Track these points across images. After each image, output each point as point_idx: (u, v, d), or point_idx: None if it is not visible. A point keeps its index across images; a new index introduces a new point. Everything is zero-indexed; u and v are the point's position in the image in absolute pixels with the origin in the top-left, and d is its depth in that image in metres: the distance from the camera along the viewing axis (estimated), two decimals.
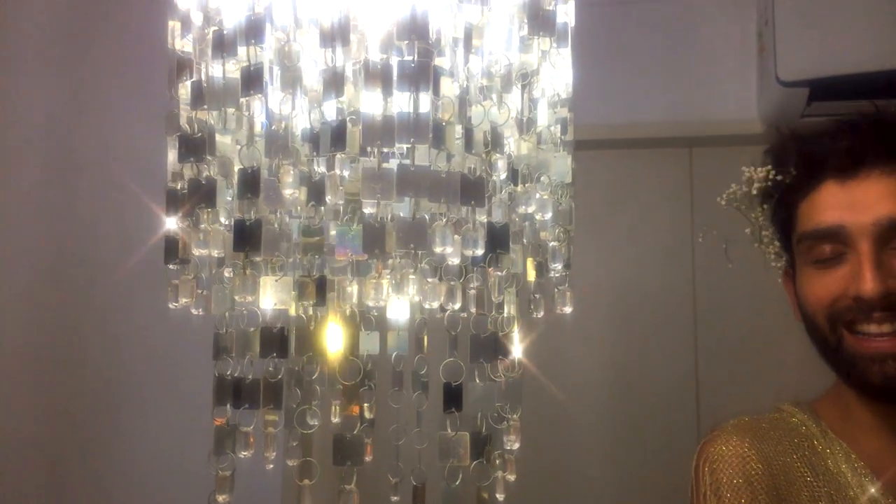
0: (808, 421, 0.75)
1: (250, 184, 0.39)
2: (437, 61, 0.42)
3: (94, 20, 1.32)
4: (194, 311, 0.48)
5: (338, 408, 0.52)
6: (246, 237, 0.39)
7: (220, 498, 0.43)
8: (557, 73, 0.47)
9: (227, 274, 0.46)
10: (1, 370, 1.27)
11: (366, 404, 0.51)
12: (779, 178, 0.74)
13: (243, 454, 0.43)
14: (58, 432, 1.28)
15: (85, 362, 1.30)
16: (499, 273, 0.43)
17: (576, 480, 1.28)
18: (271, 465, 0.53)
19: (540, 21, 0.44)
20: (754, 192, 0.77)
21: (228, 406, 0.44)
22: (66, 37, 1.32)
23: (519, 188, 0.44)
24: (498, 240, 0.42)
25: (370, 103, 0.41)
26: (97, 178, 1.32)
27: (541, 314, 0.50)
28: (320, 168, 0.44)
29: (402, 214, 0.43)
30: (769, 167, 0.78)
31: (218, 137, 0.42)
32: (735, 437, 0.71)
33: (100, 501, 1.25)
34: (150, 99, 1.21)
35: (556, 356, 1.27)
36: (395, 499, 0.54)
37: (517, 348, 0.47)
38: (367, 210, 0.46)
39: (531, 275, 0.49)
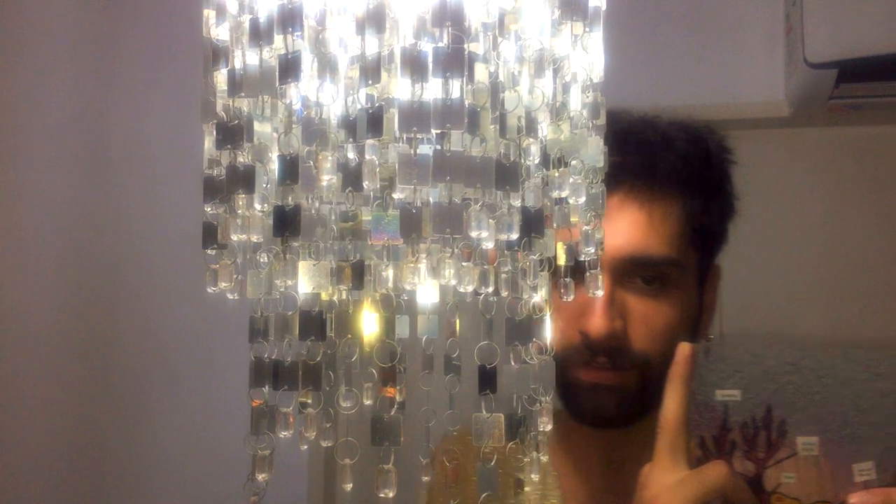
0: None
1: (290, 170, 0.40)
2: (471, 46, 0.42)
3: (121, 12, 1.33)
4: (230, 296, 0.49)
5: (369, 390, 0.53)
6: (285, 222, 0.40)
7: (260, 477, 0.44)
8: (589, 57, 0.47)
9: (262, 259, 0.47)
10: (36, 356, 1.30)
11: (399, 387, 0.52)
12: None
13: (283, 434, 0.45)
14: (93, 414, 1.31)
15: (119, 344, 1.33)
16: (533, 257, 0.44)
17: None
18: (305, 447, 0.54)
19: (573, 5, 0.44)
20: None
21: (266, 388, 0.45)
22: (93, 30, 1.34)
23: (553, 172, 0.45)
24: (533, 224, 0.43)
25: (405, 89, 0.41)
26: (129, 167, 1.34)
27: (570, 298, 0.50)
28: (352, 154, 0.44)
29: (431, 199, 0.44)
30: None
31: (255, 125, 0.43)
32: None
33: (136, 480, 1.28)
34: (179, 89, 1.23)
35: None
36: (425, 479, 0.55)
37: (550, 331, 0.47)
38: (398, 195, 0.46)
39: (561, 259, 0.50)
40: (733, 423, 0.55)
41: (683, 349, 0.58)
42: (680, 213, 0.67)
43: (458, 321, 0.52)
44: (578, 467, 0.73)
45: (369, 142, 0.43)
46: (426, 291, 0.46)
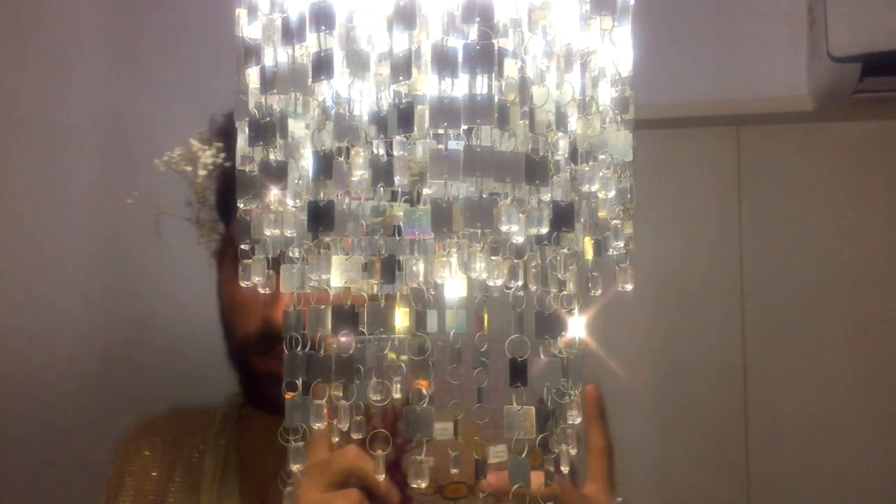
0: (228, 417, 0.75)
1: (324, 166, 0.41)
2: (501, 42, 0.43)
3: (149, 10, 1.35)
4: (261, 290, 0.50)
5: (399, 384, 0.54)
6: (319, 218, 0.41)
7: (295, 467, 0.45)
8: (618, 51, 0.47)
9: (293, 254, 0.47)
10: (63, 356, 1.32)
11: (428, 381, 0.52)
12: (227, 164, 0.69)
13: (317, 426, 0.45)
14: (121, 419, 1.33)
15: (146, 344, 1.34)
16: (564, 251, 0.44)
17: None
18: (337, 439, 0.55)
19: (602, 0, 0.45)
20: (201, 170, 0.70)
21: (299, 381, 0.46)
22: (121, 29, 1.36)
23: (581, 167, 0.45)
24: (563, 218, 0.43)
25: (434, 85, 0.42)
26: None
27: (598, 292, 0.51)
28: (380, 150, 0.45)
29: (458, 195, 0.44)
30: (219, 147, 0.72)
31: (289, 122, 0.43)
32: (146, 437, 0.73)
33: None
34: (204, 86, 1.24)
35: (600, 339, 1.27)
36: (454, 471, 0.56)
37: (579, 325, 0.48)
38: (427, 190, 0.47)
39: (589, 253, 0.50)
40: (376, 409, 0.56)
41: (592, 391, 0.65)
42: None
43: (486, 316, 0.53)
44: (261, 455, 0.73)
45: (398, 138, 0.43)
46: (454, 286, 0.47)
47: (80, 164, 1.35)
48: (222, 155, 0.71)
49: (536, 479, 0.52)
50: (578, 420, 0.47)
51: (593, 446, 0.66)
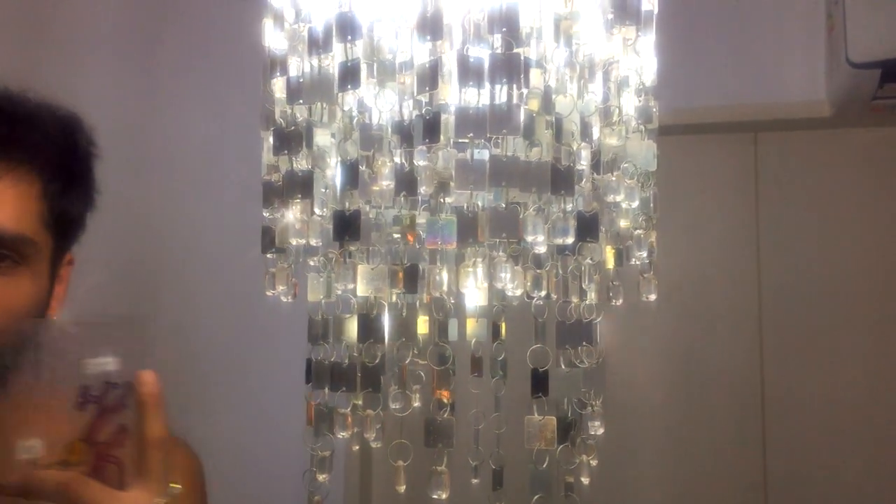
0: None
1: (352, 176, 0.41)
2: (525, 51, 0.43)
3: (166, 16, 1.36)
4: (284, 299, 0.50)
5: (418, 393, 0.54)
6: (346, 227, 0.41)
7: (321, 477, 0.45)
8: (641, 60, 0.47)
9: (313, 263, 0.48)
10: None
11: (449, 390, 0.52)
12: None
13: (341, 435, 0.45)
14: None
15: (176, 346, 1.35)
16: (589, 261, 0.44)
17: (633, 473, 1.28)
18: (357, 447, 0.55)
19: (626, 9, 0.44)
20: None
21: (325, 389, 0.46)
22: (139, 34, 1.37)
23: (606, 177, 0.45)
24: (587, 228, 0.43)
25: (460, 95, 0.42)
26: (174, 173, 1.36)
27: (620, 301, 0.50)
28: (401, 160, 0.45)
29: (479, 204, 0.44)
30: None
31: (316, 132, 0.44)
32: None
33: None
34: (222, 94, 1.25)
35: (618, 347, 1.27)
36: (475, 481, 0.56)
37: (600, 335, 0.47)
38: (450, 200, 0.47)
39: (610, 263, 0.50)
40: None
41: (148, 376, 0.53)
42: (38, 194, 0.65)
43: (503, 325, 0.53)
44: None
45: (421, 147, 0.43)
46: (473, 295, 0.47)
47: (97, 173, 1.35)
48: None
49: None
50: (601, 431, 0.47)
51: (139, 440, 0.53)
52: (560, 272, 0.47)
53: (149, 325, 0.48)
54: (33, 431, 0.46)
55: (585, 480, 0.48)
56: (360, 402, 0.49)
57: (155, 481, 0.51)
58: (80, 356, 0.47)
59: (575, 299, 0.47)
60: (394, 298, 0.47)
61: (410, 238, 0.47)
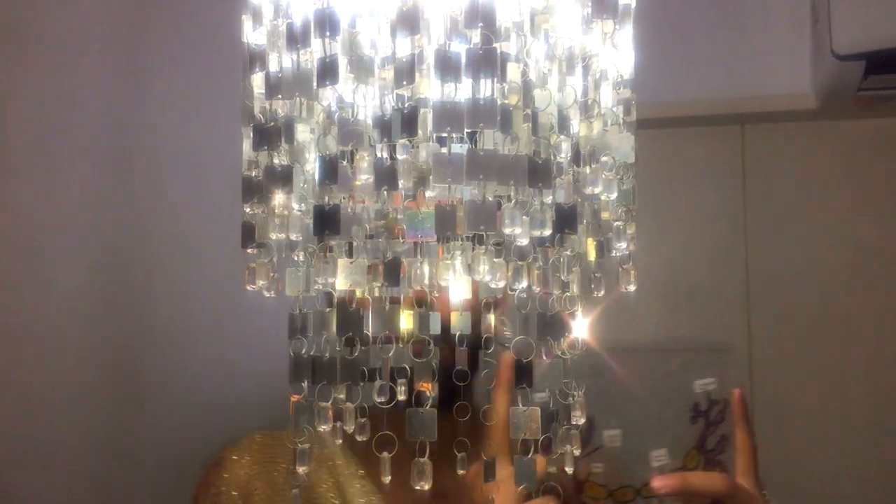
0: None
1: (330, 171, 0.41)
2: (503, 46, 0.43)
3: (153, 13, 1.35)
4: (266, 294, 0.50)
5: (403, 386, 0.54)
6: (325, 222, 0.41)
7: (301, 469, 0.45)
8: (619, 54, 0.47)
9: (297, 257, 0.48)
10: (67, 363, 1.32)
11: (431, 383, 0.52)
12: None
13: (322, 429, 0.46)
14: (125, 423, 1.33)
15: (148, 357, 1.35)
16: (568, 253, 0.44)
17: None
18: (339, 441, 0.55)
19: (603, 2, 0.45)
20: None
21: (305, 383, 0.46)
22: (121, 31, 1.36)
23: (584, 169, 0.45)
24: (566, 220, 0.43)
25: (437, 90, 0.42)
26: (159, 171, 1.36)
27: (601, 293, 0.51)
28: (384, 154, 0.45)
29: (460, 197, 0.44)
30: None
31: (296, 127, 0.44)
32: (244, 458, 0.70)
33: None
34: (208, 91, 1.25)
35: (604, 339, 1.27)
36: (461, 472, 0.56)
37: (582, 327, 0.48)
38: (430, 194, 0.47)
39: (591, 255, 0.50)
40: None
41: (507, 358, 0.59)
42: None
43: (492, 318, 0.53)
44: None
45: (401, 142, 0.44)
46: (457, 288, 0.47)
47: (81, 170, 1.35)
48: None
49: (707, 478, 0.60)
50: (582, 421, 0.47)
51: (740, 446, 0.68)
52: (541, 264, 0.47)
53: (738, 352, 0.57)
54: (661, 443, 0.57)
55: (569, 469, 0.48)
56: (342, 396, 0.49)
57: (755, 482, 0.65)
58: (690, 379, 0.60)
59: (556, 291, 0.48)
60: (376, 293, 0.47)
61: (397, 232, 0.47)
